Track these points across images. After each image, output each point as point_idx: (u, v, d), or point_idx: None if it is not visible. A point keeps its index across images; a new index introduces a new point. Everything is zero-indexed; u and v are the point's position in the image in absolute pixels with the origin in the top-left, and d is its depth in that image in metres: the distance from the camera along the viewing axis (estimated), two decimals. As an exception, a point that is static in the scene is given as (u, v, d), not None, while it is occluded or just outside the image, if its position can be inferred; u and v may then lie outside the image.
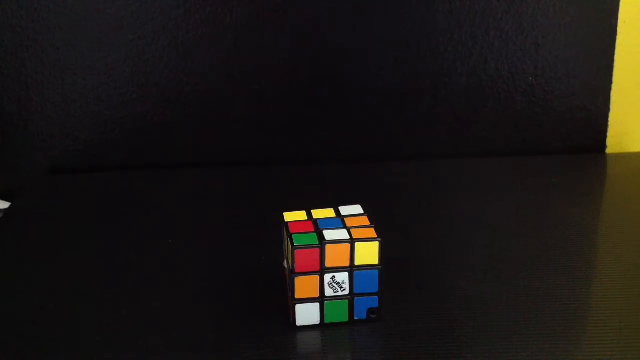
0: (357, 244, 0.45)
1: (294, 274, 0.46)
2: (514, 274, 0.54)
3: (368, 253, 0.46)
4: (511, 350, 0.45)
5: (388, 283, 0.47)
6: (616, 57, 0.73)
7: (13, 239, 0.61)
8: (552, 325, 0.48)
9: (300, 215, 0.48)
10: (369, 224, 0.47)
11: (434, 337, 0.47)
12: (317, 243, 0.45)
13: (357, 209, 0.49)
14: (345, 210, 0.49)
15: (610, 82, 0.73)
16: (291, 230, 0.46)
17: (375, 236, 0.46)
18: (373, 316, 0.47)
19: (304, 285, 0.46)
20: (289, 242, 0.46)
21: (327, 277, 0.46)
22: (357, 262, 0.46)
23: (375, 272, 0.46)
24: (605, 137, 0.76)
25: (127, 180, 0.72)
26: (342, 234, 0.46)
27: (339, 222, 0.47)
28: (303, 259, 0.45)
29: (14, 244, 0.61)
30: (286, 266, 0.48)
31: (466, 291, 0.52)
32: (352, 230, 0.46)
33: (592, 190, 0.69)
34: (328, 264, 0.45)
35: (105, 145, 0.73)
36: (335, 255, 0.45)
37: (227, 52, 0.71)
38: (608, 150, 0.76)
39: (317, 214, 0.48)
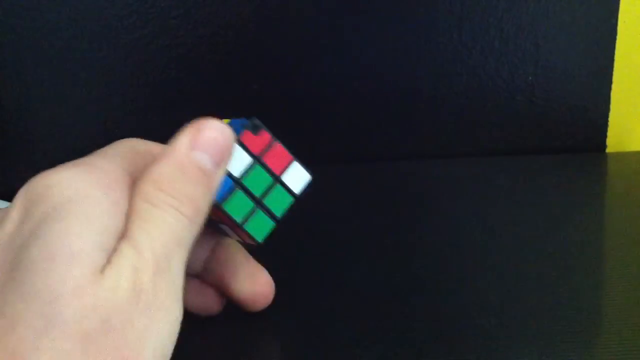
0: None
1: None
2: (514, 274, 0.54)
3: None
4: (511, 353, 0.45)
5: (387, 283, 0.47)
6: (616, 57, 0.73)
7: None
8: (553, 328, 0.48)
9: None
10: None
11: (434, 339, 0.47)
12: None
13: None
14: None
15: (610, 82, 0.73)
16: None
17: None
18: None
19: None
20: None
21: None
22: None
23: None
24: (605, 136, 0.76)
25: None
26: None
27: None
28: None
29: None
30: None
31: (466, 292, 0.52)
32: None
33: (592, 190, 0.69)
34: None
35: (105, 145, 0.73)
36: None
37: (227, 52, 0.71)
38: (608, 150, 0.76)
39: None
